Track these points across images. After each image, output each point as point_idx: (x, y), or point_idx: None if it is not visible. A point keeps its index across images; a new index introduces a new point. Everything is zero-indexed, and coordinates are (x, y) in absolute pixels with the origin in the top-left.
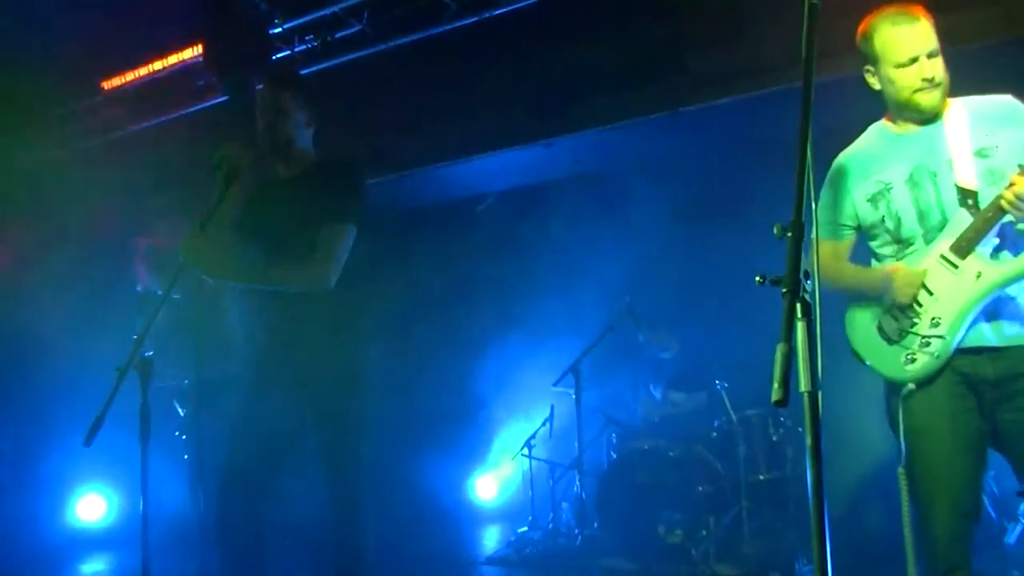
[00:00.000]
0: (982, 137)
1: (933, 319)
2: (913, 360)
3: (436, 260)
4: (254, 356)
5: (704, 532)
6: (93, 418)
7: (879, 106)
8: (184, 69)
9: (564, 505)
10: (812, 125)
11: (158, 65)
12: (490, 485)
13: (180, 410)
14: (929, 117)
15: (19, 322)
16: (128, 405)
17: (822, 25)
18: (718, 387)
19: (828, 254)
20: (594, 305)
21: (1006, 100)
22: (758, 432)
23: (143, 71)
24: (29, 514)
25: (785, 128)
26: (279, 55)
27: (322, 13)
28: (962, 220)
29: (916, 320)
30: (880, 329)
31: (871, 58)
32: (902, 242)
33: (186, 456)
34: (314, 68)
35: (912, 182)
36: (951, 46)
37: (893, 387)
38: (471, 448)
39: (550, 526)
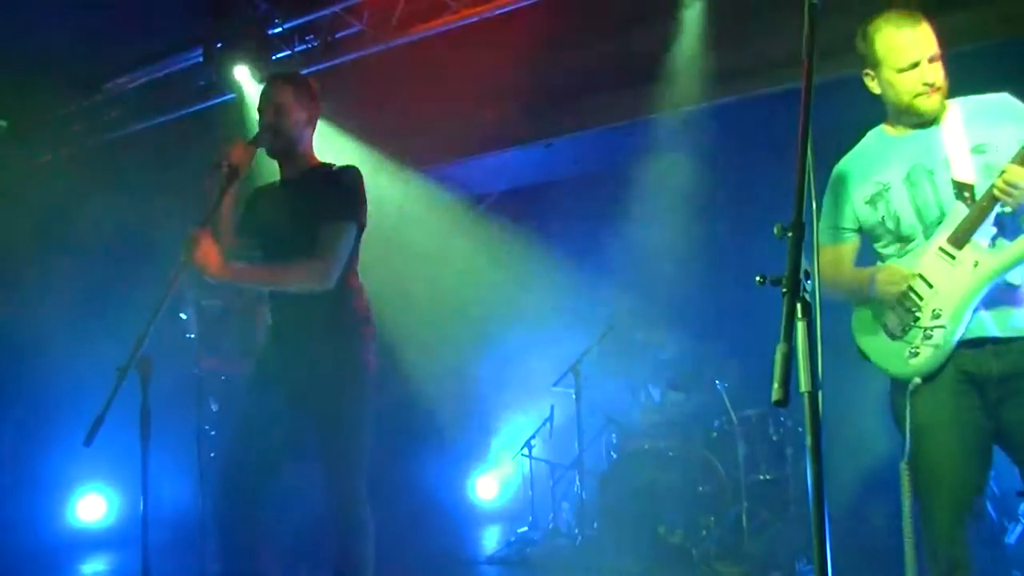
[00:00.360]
0: (979, 134)
1: (934, 311)
2: (916, 353)
3: (436, 260)
4: (256, 355)
5: (704, 532)
6: (93, 418)
7: (879, 107)
8: (184, 69)
9: (564, 505)
10: (812, 125)
11: (158, 65)
12: (490, 485)
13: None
14: (928, 121)
15: (19, 322)
16: (129, 405)
17: (822, 25)
18: (718, 387)
19: (829, 260)
20: (594, 305)
21: (1002, 97)
22: (758, 432)
23: (143, 71)
24: (29, 514)
25: (786, 128)
26: (279, 55)
27: (322, 13)
28: (959, 212)
29: (919, 314)
30: (885, 326)
31: (871, 62)
32: (903, 240)
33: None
34: (314, 68)
35: (909, 181)
36: (950, 47)
37: (898, 384)
38: (471, 448)
39: (550, 526)
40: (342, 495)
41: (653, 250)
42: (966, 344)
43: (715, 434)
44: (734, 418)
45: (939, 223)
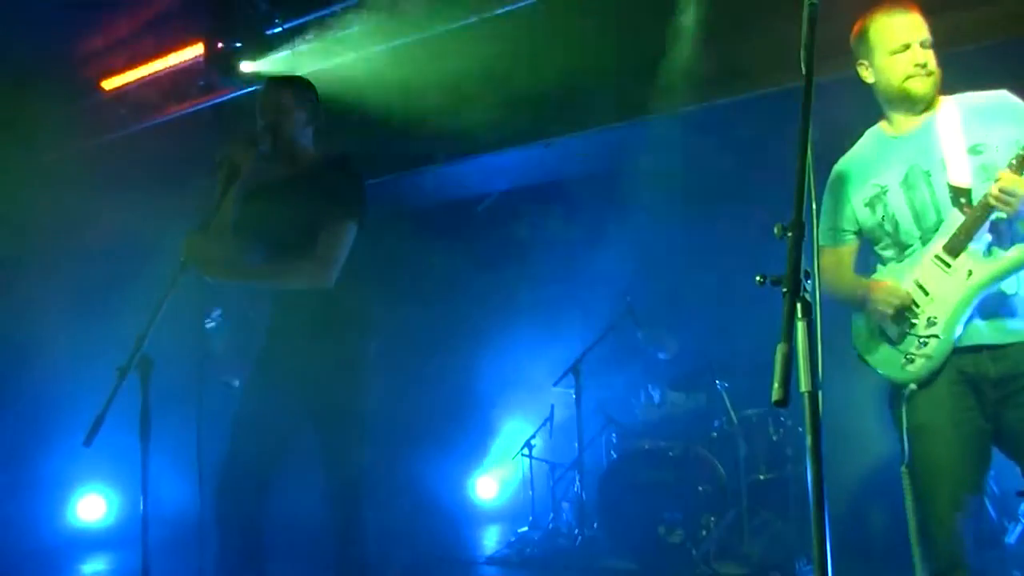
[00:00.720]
0: (975, 133)
1: (930, 319)
2: (912, 361)
3: (436, 260)
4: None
5: (704, 532)
6: (93, 418)
7: (879, 107)
8: (184, 69)
9: (564, 505)
10: (812, 125)
11: (158, 65)
12: (490, 485)
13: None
14: (921, 108)
15: (19, 322)
16: (129, 405)
17: (822, 25)
18: (718, 387)
19: (830, 263)
20: (594, 305)
21: (1000, 95)
22: (758, 432)
23: (143, 71)
24: (29, 514)
25: (786, 128)
26: (279, 55)
27: (322, 13)
28: (955, 220)
29: (915, 321)
30: (883, 332)
31: (865, 50)
32: (901, 244)
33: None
34: (314, 68)
35: (907, 184)
36: (950, 47)
37: (895, 387)
38: (471, 448)
39: (550, 526)
40: (342, 494)
41: (653, 250)
42: (963, 350)
43: (715, 434)
44: (734, 418)
45: (936, 229)
